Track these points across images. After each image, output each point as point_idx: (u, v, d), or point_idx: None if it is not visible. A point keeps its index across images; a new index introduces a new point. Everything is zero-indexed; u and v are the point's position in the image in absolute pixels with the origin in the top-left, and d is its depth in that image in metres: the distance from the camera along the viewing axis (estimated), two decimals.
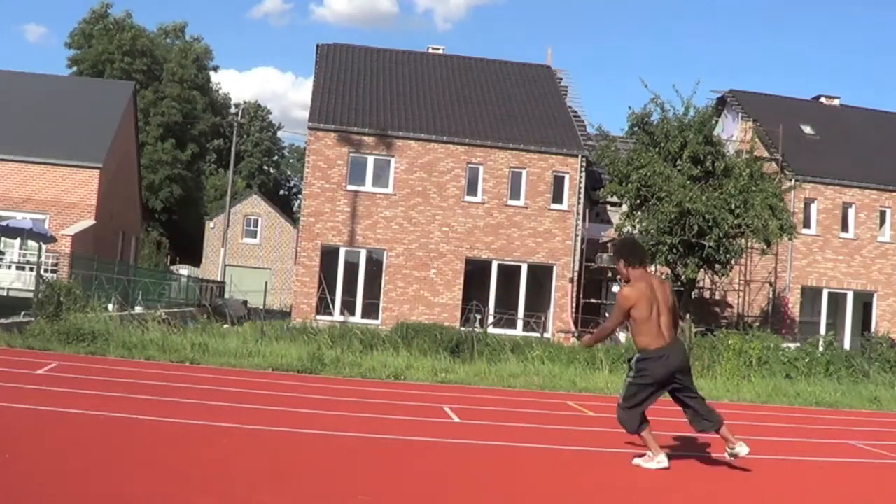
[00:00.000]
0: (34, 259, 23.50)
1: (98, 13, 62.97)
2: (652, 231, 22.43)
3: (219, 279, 40.52)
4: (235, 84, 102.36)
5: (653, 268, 26.00)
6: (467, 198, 25.87)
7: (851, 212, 27.99)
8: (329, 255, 25.60)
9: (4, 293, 23.79)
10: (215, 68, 71.21)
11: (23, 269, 26.70)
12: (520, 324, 25.65)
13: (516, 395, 12.56)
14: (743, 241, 23.25)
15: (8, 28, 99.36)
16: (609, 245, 27.91)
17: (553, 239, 25.93)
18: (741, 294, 28.15)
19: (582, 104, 29.10)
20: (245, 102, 61.97)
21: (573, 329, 25.47)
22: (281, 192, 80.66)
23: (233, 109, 73.29)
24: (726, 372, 16.59)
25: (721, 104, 31.39)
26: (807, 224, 27.47)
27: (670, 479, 7.04)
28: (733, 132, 29.84)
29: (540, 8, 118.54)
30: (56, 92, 31.53)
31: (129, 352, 13.41)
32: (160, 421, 7.53)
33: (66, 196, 27.74)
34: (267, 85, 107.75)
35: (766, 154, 27.09)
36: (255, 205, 55.61)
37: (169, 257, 56.52)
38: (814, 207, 27.75)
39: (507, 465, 7.03)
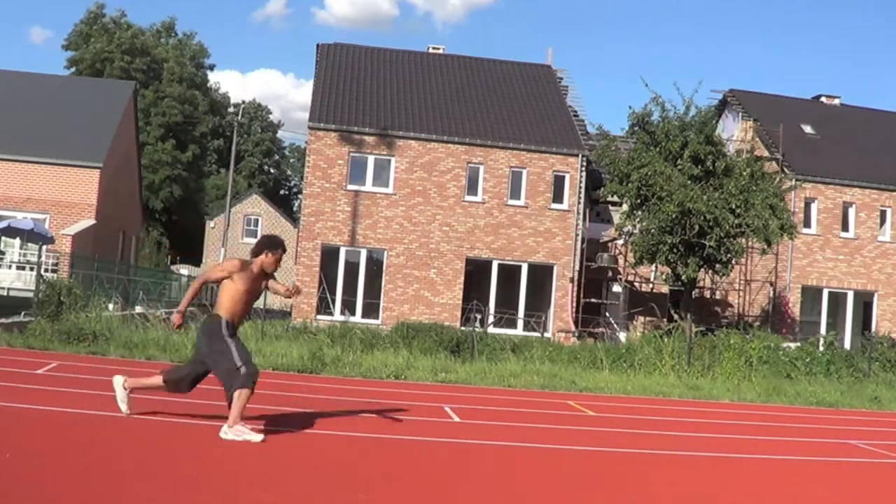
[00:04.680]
0: (34, 259, 23.51)
1: (94, 13, 62.88)
2: (652, 230, 22.43)
3: None
4: (237, 86, 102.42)
5: (654, 267, 26.05)
6: (467, 197, 25.85)
7: (852, 211, 27.99)
8: (329, 255, 25.61)
9: (5, 293, 23.82)
10: (211, 67, 71.17)
11: (23, 268, 26.72)
12: (520, 323, 25.64)
13: (516, 395, 12.56)
14: (743, 240, 23.24)
15: (11, 30, 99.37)
16: (608, 246, 27.90)
17: (553, 238, 25.92)
18: (741, 294, 28.16)
19: (582, 104, 29.13)
20: (245, 102, 61.92)
21: (573, 329, 25.47)
22: (281, 192, 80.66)
23: (231, 109, 73.18)
24: (727, 371, 16.61)
25: (722, 104, 31.38)
26: (807, 224, 27.46)
27: (669, 478, 7.04)
28: (734, 132, 29.84)
29: (539, 9, 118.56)
30: (57, 92, 31.52)
31: (129, 351, 13.42)
32: (161, 420, 7.53)
33: (67, 196, 27.74)
34: (268, 87, 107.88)
35: (766, 153, 27.09)
36: (255, 204, 55.63)
37: (169, 257, 56.49)
38: (814, 207, 27.74)
39: (507, 465, 7.03)
